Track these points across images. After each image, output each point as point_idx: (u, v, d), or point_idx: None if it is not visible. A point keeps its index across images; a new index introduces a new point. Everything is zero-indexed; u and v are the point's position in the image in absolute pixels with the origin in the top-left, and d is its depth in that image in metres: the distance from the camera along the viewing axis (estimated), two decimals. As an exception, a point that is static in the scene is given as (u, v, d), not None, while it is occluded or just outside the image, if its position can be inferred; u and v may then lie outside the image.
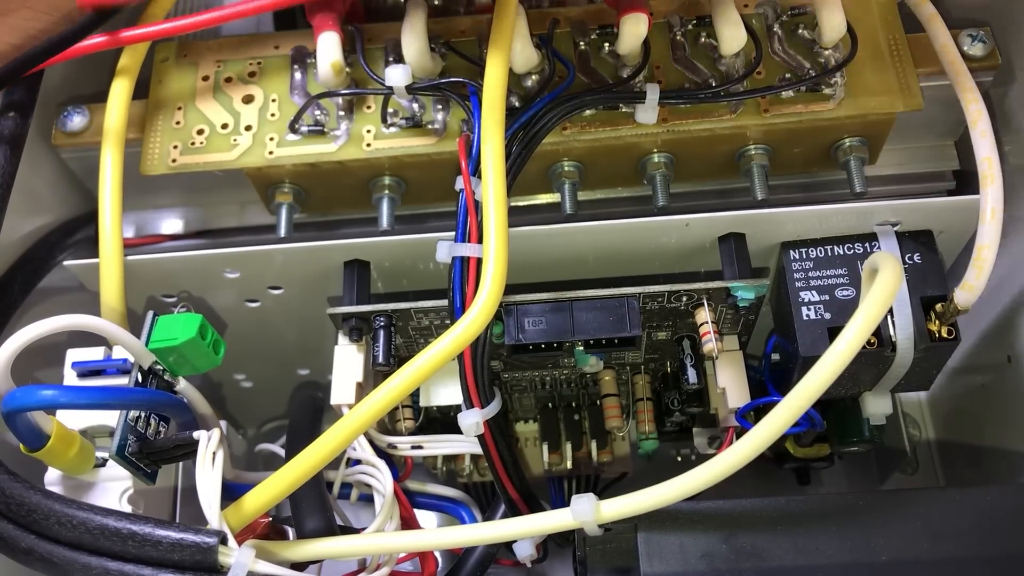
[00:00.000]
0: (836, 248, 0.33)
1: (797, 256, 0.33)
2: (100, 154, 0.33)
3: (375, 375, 0.35)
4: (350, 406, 0.33)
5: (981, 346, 0.32)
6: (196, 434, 0.29)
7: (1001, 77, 0.35)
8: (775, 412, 0.26)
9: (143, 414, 0.30)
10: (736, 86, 0.33)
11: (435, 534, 0.32)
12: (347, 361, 0.34)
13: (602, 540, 0.30)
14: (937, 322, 0.31)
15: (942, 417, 0.45)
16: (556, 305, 0.32)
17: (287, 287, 0.36)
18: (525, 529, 0.29)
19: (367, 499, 0.34)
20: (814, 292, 0.32)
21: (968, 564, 0.28)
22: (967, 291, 0.30)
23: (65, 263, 0.35)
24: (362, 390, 0.34)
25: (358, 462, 0.34)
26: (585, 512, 0.27)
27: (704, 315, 0.33)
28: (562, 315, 0.32)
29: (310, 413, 0.39)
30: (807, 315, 0.32)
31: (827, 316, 0.32)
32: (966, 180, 0.37)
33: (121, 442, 0.29)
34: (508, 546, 0.35)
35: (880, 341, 0.31)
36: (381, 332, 0.33)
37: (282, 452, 0.39)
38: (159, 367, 0.30)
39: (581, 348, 0.33)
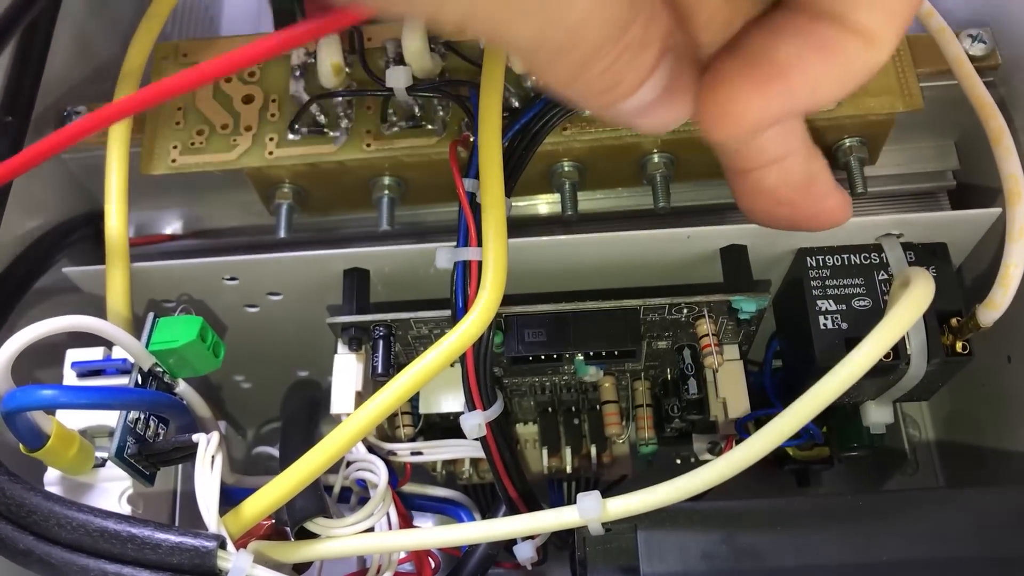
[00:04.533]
0: (853, 257, 0.32)
1: (814, 263, 0.32)
2: (106, 157, 0.33)
3: (374, 385, 0.35)
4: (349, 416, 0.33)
5: (981, 346, 0.32)
6: (195, 437, 0.29)
7: (1001, 77, 0.35)
8: (790, 411, 0.26)
9: (142, 415, 0.29)
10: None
11: (432, 532, 0.32)
12: (346, 370, 0.34)
13: (602, 540, 0.30)
14: (952, 337, 0.31)
15: (942, 418, 0.45)
16: (556, 317, 0.32)
17: (286, 294, 0.36)
18: (530, 526, 0.29)
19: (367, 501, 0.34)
20: (831, 301, 0.32)
21: (968, 564, 0.28)
22: (992, 308, 0.30)
23: (65, 270, 0.35)
24: (361, 399, 0.34)
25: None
26: (592, 510, 0.27)
27: (705, 327, 0.33)
28: (562, 327, 0.32)
29: (304, 413, 0.39)
30: (824, 324, 0.31)
31: (844, 326, 0.31)
32: (963, 191, 0.37)
33: (120, 444, 0.28)
34: (508, 548, 0.35)
35: (896, 354, 0.30)
36: (380, 342, 0.33)
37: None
38: (159, 369, 0.30)
39: (581, 359, 0.33)
